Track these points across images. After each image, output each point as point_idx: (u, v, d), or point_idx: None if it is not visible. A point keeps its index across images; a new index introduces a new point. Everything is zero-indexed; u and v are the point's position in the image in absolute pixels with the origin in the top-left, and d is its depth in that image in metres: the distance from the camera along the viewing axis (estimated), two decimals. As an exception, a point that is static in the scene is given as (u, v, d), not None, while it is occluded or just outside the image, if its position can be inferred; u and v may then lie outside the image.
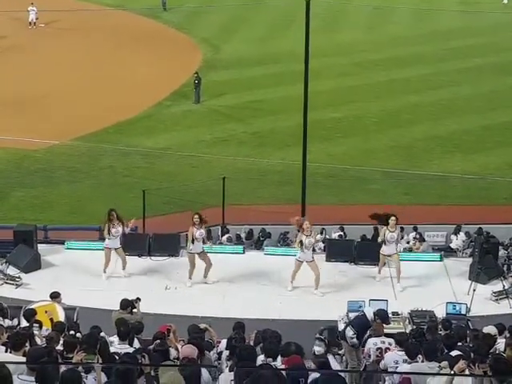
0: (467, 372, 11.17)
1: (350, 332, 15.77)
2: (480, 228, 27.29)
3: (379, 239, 21.93)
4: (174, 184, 31.92)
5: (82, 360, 10.98)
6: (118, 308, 16.68)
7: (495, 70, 48.75)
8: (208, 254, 21.73)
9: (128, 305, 16.69)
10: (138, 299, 16.93)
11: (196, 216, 21.46)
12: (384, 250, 21.66)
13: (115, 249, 21.94)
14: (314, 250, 21.85)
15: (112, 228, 21.66)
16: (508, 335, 14.65)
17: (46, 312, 16.39)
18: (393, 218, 21.43)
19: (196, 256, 21.51)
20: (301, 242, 21.00)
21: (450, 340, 13.80)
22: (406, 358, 13.39)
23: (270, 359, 12.10)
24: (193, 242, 21.29)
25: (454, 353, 12.83)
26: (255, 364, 12.46)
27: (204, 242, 21.57)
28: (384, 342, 15.12)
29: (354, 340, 15.68)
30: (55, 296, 17.52)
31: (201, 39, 55.29)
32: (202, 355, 13.14)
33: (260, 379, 8.33)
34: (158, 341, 13.25)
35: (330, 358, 14.42)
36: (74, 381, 9.59)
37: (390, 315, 18.63)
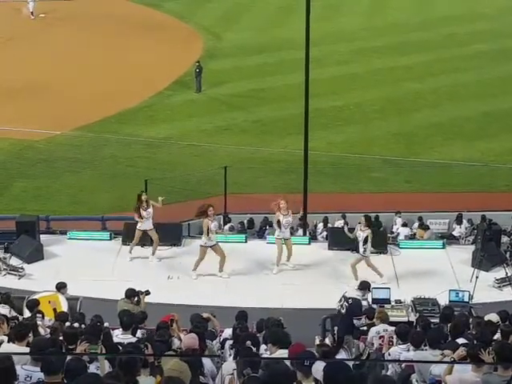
0: (468, 359, 11.17)
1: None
2: (484, 215, 27.28)
3: (351, 236, 21.82)
4: (176, 173, 31.91)
5: (85, 350, 11.00)
6: (123, 297, 16.73)
7: (497, 56, 48.60)
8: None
9: (132, 294, 16.70)
10: (144, 292, 16.86)
11: (211, 208, 21.27)
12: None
13: (148, 230, 22.33)
14: (292, 228, 22.22)
15: (143, 210, 21.99)
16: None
17: (49, 302, 16.40)
18: (362, 218, 21.41)
19: (208, 249, 21.43)
20: (278, 221, 21.52)
21: (457, 328, 13.76)
22: (408, 349, 13.39)
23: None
24: (208, 235, 21.18)
25: (460, 340, 12.85)
26: (258, 352, 12.51)
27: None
28: (386, 330, 15.14)
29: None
30: (61, 287, 17.52)
31: (202, 28, 55.16)
32: (204, 344, 13.17)
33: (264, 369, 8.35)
34: (159, 331, 13.29)
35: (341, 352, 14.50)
36: (79, 370, 9.61)
37: (393, 303, 18.75)
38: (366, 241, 21.18)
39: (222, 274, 21.76)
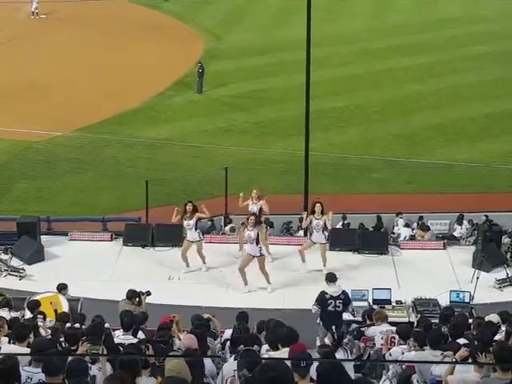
0: (470, 360, 11.16)
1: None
2: (486, 216, 27.29)
3: (303, 225, 22.14)
4: (177, 174, 31.92)
5: (87, 351, 11.00)
6: (124, 298, 16.73)
7: (498, 57, 48.57)
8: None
9: (133, 295, 16.70)
10: (146, 293, 16.84)
11: (252, 217, 20.78)
12: (312, 237, 21.70)
13: (192, 242, 21.85)
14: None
15: (184, 220, 21.70)
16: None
17: (50, 303, 16.40)
18: (317, 204, 21.27)
19: (252, 258, 20.78)
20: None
21: (457, 329, 13.76)
22: (409, 350, 13.39)
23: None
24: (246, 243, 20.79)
25: (461, 341, 12.84)
26: (260, 353, 12.50)
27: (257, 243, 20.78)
28: (387, 330, 15.13)
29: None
30: (62, 288, 17.52)
31: (202, 29, 55.18)
32: (205, 344, 13.16)
33: (266, 368, 8.31)
34: (160, 332, 13.29)
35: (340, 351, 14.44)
36: (80, 371, 9.61)
37: (394, 303, 18.74)
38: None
39: (268, 286, 21.04)
